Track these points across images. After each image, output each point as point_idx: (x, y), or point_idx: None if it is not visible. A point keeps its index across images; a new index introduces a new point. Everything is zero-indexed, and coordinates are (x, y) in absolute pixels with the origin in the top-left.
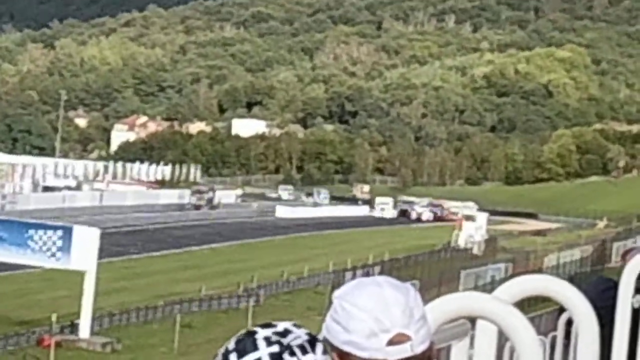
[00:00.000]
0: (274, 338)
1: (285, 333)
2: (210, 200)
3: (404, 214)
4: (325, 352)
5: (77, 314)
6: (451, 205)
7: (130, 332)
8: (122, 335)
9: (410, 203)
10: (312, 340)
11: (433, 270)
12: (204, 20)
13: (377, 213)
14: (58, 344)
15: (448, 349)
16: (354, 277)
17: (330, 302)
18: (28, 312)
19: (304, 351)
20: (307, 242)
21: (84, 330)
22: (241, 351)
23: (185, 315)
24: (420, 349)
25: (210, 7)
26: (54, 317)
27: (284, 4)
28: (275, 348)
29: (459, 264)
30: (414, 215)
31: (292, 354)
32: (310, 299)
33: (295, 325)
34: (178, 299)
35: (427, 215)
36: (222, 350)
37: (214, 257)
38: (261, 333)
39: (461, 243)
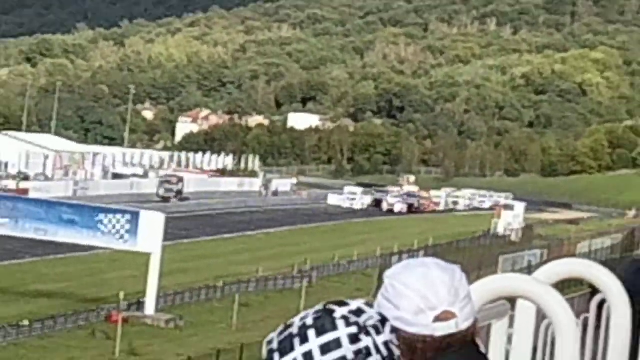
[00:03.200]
0: (352, 318)
1: (359, 312)
2: (179, 192)
3: (378, 204)
4: (393, 330)
5: (143, 293)
6: (492, 195)
7: (192, 310)
8: (184, 313)
9: (385, 193)
10: (383, 320)
11: (473, 255)
12: (262, 21)
13: (345, 203)
14: (125, 320)
15: (488, 327)
16: (400, 261)
17: (380, 283)
18: (97, 290)
19: (378, 331)
20: (356, 228)
21: (150, 308)
22: (320, 329)
23: (243, 294)
24: (465, 325)
25: (269, 9)
26: (121, 295)
27: (337, 7)
28: (353, 329)
29: (497, 249)
30: (385, 207)
31: (367, 334)
32: (359, 280)
33: (366, 304)
34: (236, 279)
35: (399, 206)
36: (298, 322)
37: (270, 241)
38: (339, 312)
39: (500, 230)
